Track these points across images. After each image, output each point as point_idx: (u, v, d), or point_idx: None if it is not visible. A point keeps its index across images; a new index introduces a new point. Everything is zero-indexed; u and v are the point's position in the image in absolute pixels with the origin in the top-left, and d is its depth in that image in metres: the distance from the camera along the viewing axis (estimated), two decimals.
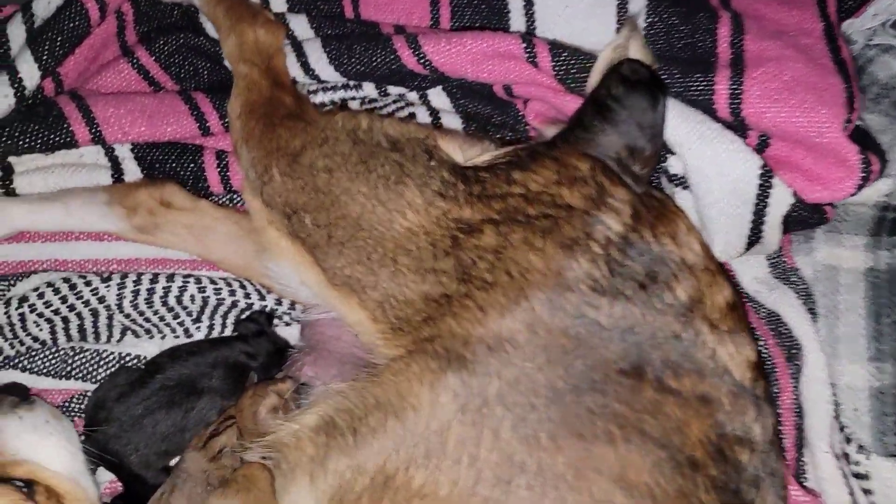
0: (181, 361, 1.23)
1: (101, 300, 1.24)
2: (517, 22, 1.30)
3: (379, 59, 1.25)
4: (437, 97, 1.34)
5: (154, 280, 1.26)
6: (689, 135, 1.06)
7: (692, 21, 1.18)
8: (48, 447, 1.01)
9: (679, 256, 0.92)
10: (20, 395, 1.06)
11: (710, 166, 1.06)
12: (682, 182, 1.13)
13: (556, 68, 1.17)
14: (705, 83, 1.10)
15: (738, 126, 1.10)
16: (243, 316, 1.33)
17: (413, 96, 1.34)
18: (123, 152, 1.31)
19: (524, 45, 1.18)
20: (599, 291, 0.89)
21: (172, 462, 1.21)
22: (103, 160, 1.31)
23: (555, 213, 0.94)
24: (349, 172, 1.03)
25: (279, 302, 1.32)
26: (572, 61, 1.16)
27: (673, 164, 1.12)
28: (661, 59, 1.16)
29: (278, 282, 1.15)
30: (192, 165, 1.32)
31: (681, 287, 0.90)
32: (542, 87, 1.21)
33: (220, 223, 1.27)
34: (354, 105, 1.35)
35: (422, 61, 1.23)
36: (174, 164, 1.32)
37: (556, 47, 1.18)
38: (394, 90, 1.33)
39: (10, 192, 1.28)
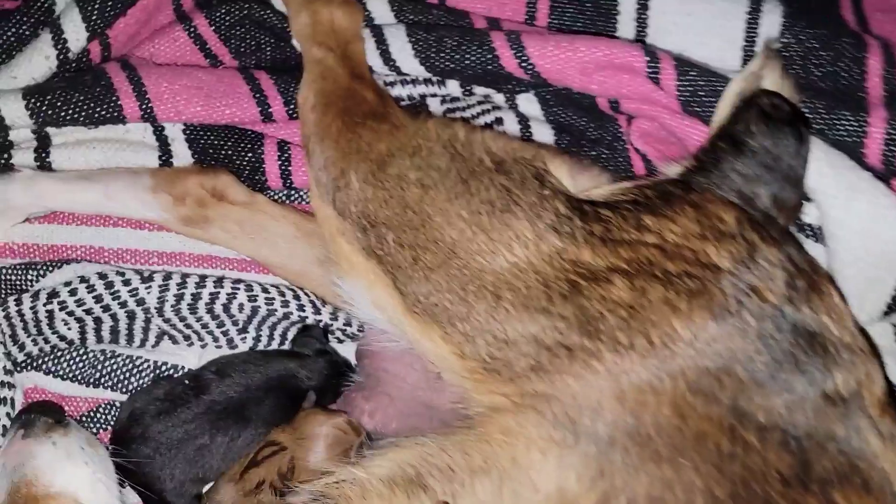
0: (230, 381, 1.10)
1: (140, 302, 1.11)
2: (626, 26, 1.18)
3: (474, 57, 1.12)
4: (527, 103, 1.22)
5: (200, 284, 1.13)
6: (835, 183, 0.94)
7: (834, 47, 1.06)
8: (83, 478, 0.92)
9: (837, 335, 0.80)
10: (54, 416, 0.95)
11: (857, 221, 0.94)
12: (815, 233, 1.00)
13: (681, 88, 1.05)
14: (856, 124, 0.98)
15: (887, 176, 0.97)
16: (293, 328, 1.20)
17: (500, 99, 1.22)
18: (174, 132, 1.19)
19: (647, 58, 1.05)
20: (756, 378, 0.76)
21: (205, 488, 1.10)
22: (151, 139, 1.19)
23: (699, 273, 0.82)
24: (447, 192, 0.91)
25: (335, 316, 1.19)
26: (701, 82, 1.04)
27: (808, 213, 0.99)
28: (799, 89, 1.02)
29: (345, 299, 1.02)
30: (249, 155, 1.19)
31: (840, 374, 0.78)
32: (657, 106, 1.09)
33: (277, 223, 1.15)
34: (434, 103, 1.21)
35: (524, 64, 1.10)
36: (230, 152, 1.19)
37: (683, 64, 1.05)
38: (480, 90, 1.19)
39: (46, 166, 1.15)
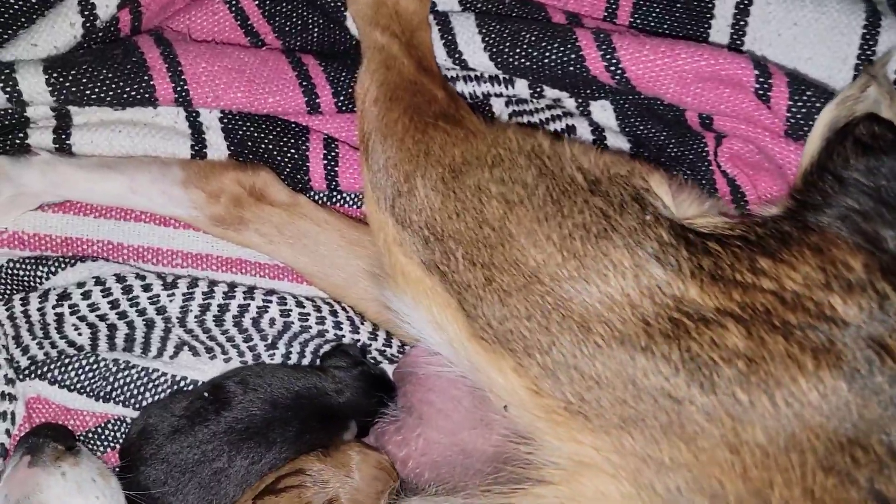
0: (254, 396, 1.00)
1: (161, 311, 1.00)
2: (720, 33, 1.07)
3: (554, 56, 1.01)
4: (601, 111, 1.12)
5: (229, 294, 1.02)
6: None
7: None
8: None
9: None
10: (64, 442, 0.86)
11: None
12: None
13: (793, 109, 0.95)
14: None
15: None
16: (327, 346, 1.10)
17: (571, 104, 1.10)
18: (210, 120, 1.08)
19: (757, 72, 0.94)
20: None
21: None
22: (183, 125, 1.07)
23: (825, 327, 0.73)
24: (535, 211, 0.82)
25: (374, 335, 1.08)
26: (817, 105, 0.92)
27: None
28: None
29: (396, 317, 0.93)
30: (292, 151, 1.08)
31: None
32: (758, 127, 0.99)
33: (320, 229, 1.05)
34: (498, 104, 1.10)
35: (612, 68, 0.98)
36: (270, 146, 1.08)
37: (797, 82, 0.95)
38: (550, 93, 1.08)
39: (65, 149, 1.04)
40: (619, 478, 0.75)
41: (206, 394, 1.00)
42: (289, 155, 1.07)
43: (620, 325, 0.76)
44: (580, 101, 1.10)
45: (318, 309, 1.06)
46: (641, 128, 1.10)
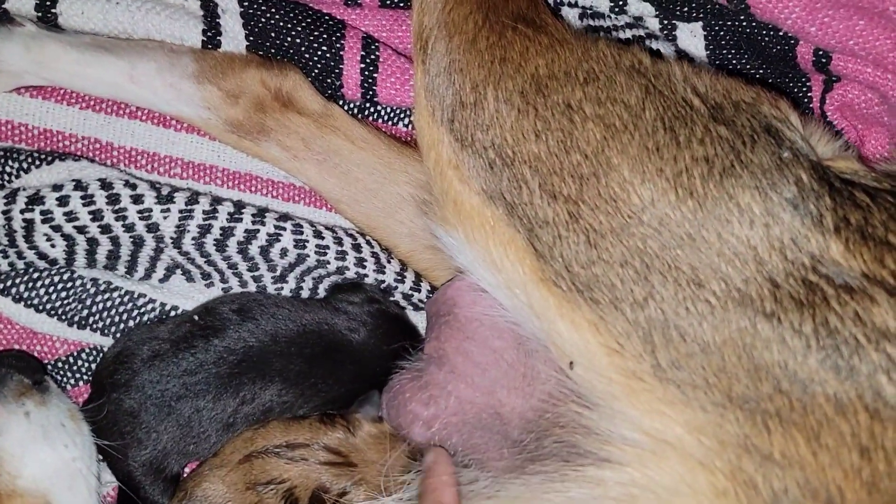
0: (253, 326, 0.89)
1: (152, 228, 0.87)
2: None
3: None
4: (689, 37, 0.99)
5: (235, 216, 0.89)
6: None
7: None
8: (60, 469, 0.75)
9: None
10: (31, 375, 0.76)
11: None
12: None
13: None
14: None
15: None
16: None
17: (654, 25, 0.97)
18: (227, 2, 0.94)
19: None
20: None
21: (188, 469, 0.91)
22: (194, 3, 0.94)
23: None
24: (643, 139, 0.70)
25: (401, 277, 0.96)
26: None
27: None
28: None
29: (448, 252, 0.82)
30: (323, 49, 0.95)
31: None
32: (889, 72, 0.88)
33: (356, 147, 0.93)
34: (570, 15, 0.97)
35: None
36: (297, 40, 0.95)
37: None
38: (633, 8, 0.95)
39: (49, 20, 0.90)
40: (713, 468, 0.64)
41: (196, 317, 0.90)
42: (319, 53, 0.94)
43: (741, 284, 0.65)
44: (667, 21, 0.97)
45: (339, 241, 0.93)
46: (734, 61, 0.99)
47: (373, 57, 0.95)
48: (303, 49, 0.94)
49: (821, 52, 0.92)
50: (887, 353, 0.62)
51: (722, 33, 0.98)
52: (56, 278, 0.90)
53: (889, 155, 0.92)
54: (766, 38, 0.95)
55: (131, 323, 0.92)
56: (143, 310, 0.92)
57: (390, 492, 0.81)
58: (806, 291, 0.64)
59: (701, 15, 0.95)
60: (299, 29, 0.94)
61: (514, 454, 0.79)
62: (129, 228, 0.88)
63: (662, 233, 0.67)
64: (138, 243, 0.90)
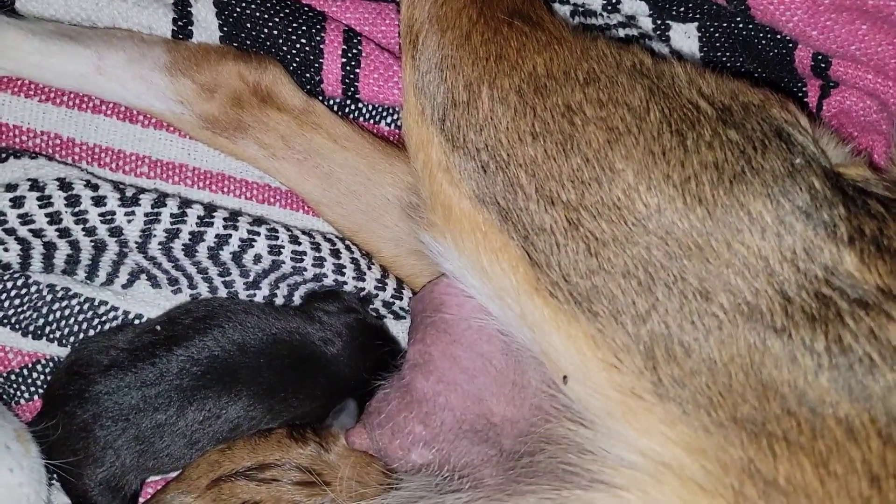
0: (219, 334, 0.87)
1: (115, 232, 0.85)
2: None
3: None
4: (683, 37, 0.99)
5: (205, 220, 0.87)
6: None
7: None
8: (4, 497, 0.73)
9: None
10: None
11: None
12: None
13: None
14: None
15: None
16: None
17: (647, 24, 0.96)
18: None
19: None
20: None
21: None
22: None
23: None
24: (648, 142, 0.69)
25: (381, 285, 0.94)
26: None
27: None
28: None
29: (435, 259, 0.80)
30: (302, 42, 0.93)
31: None
32: (891, 79, 0.88)
33: (339, 146, 0.91)
34: (562, 12, 0.97)
35: None
36: (275, 32, 0.92)
37: None
38: (627, 7, 0.94)
39: (6, 5, 0.87)
40: (715, 494, 0.63)
41: (158, 327, 0.87)
42: (297, 46, 0.92)
43: (751, 297, 0.64)
44: (660, 21, 0.96)
45: (317, 247, 0.91)
46: (729, 62, 0.98)
47: (355, 51, 0.93)
48: (280, 41, 0.92)
49: (820, 57, 0.92)
50: None
51: (717, 35, 0.97)
52: (9, 284, 0.87)
53: (886, 164, 0.92)
54: (763, 41, 0.94)
55: (91, 332, 0.89)
56: (104, 318, 0.89)
57: None
58: (819, 306, 0.63)
59: (696, 16, 0.94)
60: (277, 20, 0.92)
61: (507, 470, 0.77)
62: (90, 232, 0.85)
63: (669, 242, 0.66)
64: (100, 248, 0.87)
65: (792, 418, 0.62)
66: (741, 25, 0.95)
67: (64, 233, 0.85)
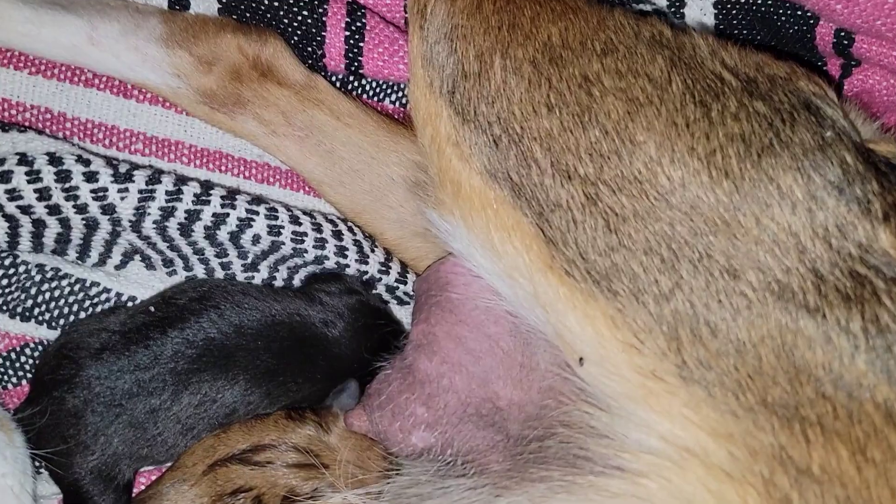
0: (216, 316, 0.84)
1: (108, 210, 0.82)
2: None
3: None
4: (699, 13, 0.99)
5: (202, 198, 0.84)
6: None
7: None
8: None
9: None
10: None
11: None
12: None
13: None
14: None
15: None
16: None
17: (661, 0, 0.94)
18: None
19: None
20: None
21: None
22: None
23: None
24: (671, 114, 0.66)
25: (385, 268, 0.92)
26: None
27: None
28: None
29: (443, 238, 0.78)
30: (304, 13, 0.90)
31: None
32: None
33: (342, 123, 0.88)
34: None
35: None
36: (276, 5, 0.90)
37: None
38: None
39: None
40: (744, 482, 0.60)
41: (152, 308, 0.85)
42: (299, 18, 0.90)
43: (781, 275, 0.62)
44: None
45: (318, 228, 0.89)
46: (748, 38, 0.96)
47: (359, 24, 0.90)
48: (281, 13, 0.90)
49: (843, 34, 0.90)
50: None
51: (734, 11, 0.95)
52: None
53: None
54: (784, 17, 0.92)
55: (82, 315, 0.87)
56: (95, 300, 0.87)
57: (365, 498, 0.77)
58: (853, 284, 0.61)
59: None
60: None
61: (515, 455, 0.75)
62: (81, 210, 0.83)
63: (694, 217, 0.64)
64: (92, 226, 0.84)
65: (827, 403, 0.59)
66: (760, 0, 0.92)
67: (54, 210, 0.82)
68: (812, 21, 0.91)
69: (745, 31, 0.96)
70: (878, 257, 0.61)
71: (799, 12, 0.90)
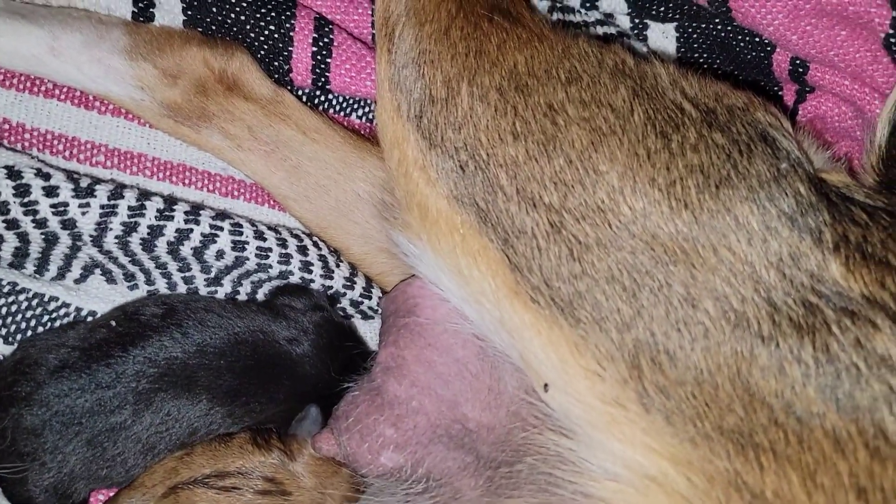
0: (179, 333, 0.85)
1: (68, 225, 0.82)
2: None
3: None
4: (661, 37, 1.01)
5: (166, 213, 0.85)
6: None
7: None
8: None
9: None
10: None
11: None
12: None
13: None
14: None
15: None
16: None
17: (625, 23, 0.96)
18: None
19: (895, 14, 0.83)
20: None
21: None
22: None
23: None
24: (632, 145, 0.69)
25: (350, 283, 0.93)
26: None
27: None
28: None
29: (409, 261, 0.79)
30: (271, 28, 0.92)
31: None
32: (867, 86, 0.92)
33: (308, 139, 0.90)
34: (540, 7, 0.97)
35: None
36: (242, 18, 0.91)
37: None
38: (606, 4, 0.94)
39: None
40: None
41: (113, 322, 0.85)
42: (266, 33, 0.91)
43: (738, 304, 0.64)
44: (639, 20, 0.96)
45: (283, 244, 0.90)
46: (707, 62, 1.01)
47: (326, 40, 0.91)
48: (248, 27, 0.91)
49: (798, 61, 0.94)
50: (889, 384, 0.62)
51: (695, 36, 0.98)
52: None
53: (859, 170, 0.94)
54: (742, 44, 0.96)
55: (40, 330, 0.86)
56: (53, 315, 0.87)
57: None
58: (805, 313, 0.64)
59: (675, 16, 0.95)
60: (244, 4, 0.91)
61: (486, 479, 0.77)
62: (41, 224, 0.83)
63: (654, 247, 0.66)
64: (51, 240, 0.84)
65: (779, 429, 0.62)
66: (720, 27, 0.96)
67: (12, 224, 0.82)
68: (769, 48, 0.94)
69: (705, 55, 1.00)
70: (828, 286, 0.64)
71: (757, 39, 0.94)
